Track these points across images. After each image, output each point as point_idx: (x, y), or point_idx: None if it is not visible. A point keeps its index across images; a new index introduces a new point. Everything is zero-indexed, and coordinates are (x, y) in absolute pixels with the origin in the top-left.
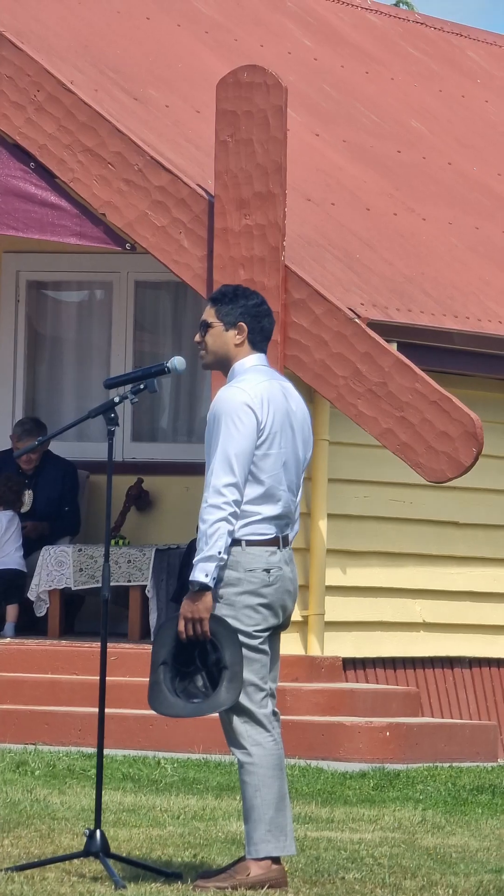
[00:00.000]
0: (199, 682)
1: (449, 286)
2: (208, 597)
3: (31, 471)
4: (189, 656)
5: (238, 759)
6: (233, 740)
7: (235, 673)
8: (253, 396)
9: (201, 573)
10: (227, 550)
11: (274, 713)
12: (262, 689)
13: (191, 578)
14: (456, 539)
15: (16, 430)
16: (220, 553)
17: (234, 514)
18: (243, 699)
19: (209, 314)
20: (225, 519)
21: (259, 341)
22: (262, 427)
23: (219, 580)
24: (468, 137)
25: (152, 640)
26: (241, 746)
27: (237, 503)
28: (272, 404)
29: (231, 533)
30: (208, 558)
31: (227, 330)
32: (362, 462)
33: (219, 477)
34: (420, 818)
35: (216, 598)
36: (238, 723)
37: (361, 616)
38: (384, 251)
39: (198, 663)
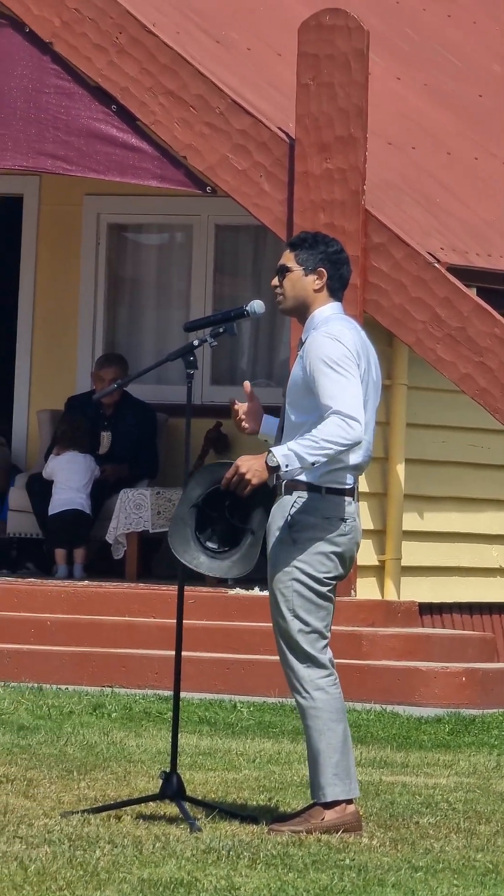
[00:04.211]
0: (219, 534)
1: None
2: (270, 475)
3: (109, 412)
4: (219, 503)
5: (301, 705)
6: (296, 686)
7: (257, 540)
8: (349, 345)
9: (284, 459)
10: (318, 466)
11: (330, 660)
12: (324, 637)
13: (273, 449)
14: None
15: (98, 361)
16: (313, 464)
17: (346, 450)
18: (307, 645)
19: (288, 259)
20: (343, 445)
21: (337, 289)
22: (360, 375)
23: (294, 523)
24: None
25: (191, 478)
26: (304, 692)
27: (355, 445)
28: (362, 352)
29: (335, 458)
30: (301, 459)
31: (306, 275)
32: (440, 407)
33: (356, 411)
34: (495, 763)
35: (291, 542)
36: (301, 668)
37: (438, 561)
38: (464, 195)
39: (225, 513)
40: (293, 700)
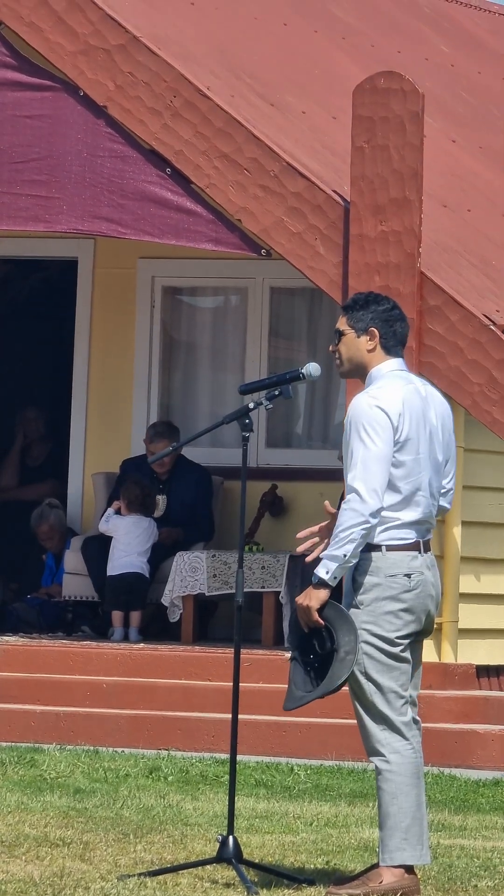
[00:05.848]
0: (318, 669)
1: None
2: (323, 592)
3: (164, 476)
4: (311, 646)
5: (376, 766)
6: (370, 748)
7: (347, 652)
8: (387, 403)
9: (323, 570)
10: (356, 555)
11: (414, 721)
12: (401, 697)
13: (315, 571)
14: None
15: (148, 432)
16: (345, 556)
17: (371, 523)
18: (383, 706)
19: (341, 322)
20: (361, 526)
21: (393, 346)
22: (398, 434)
23: (358, 585)
24: None
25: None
26: (379, 754)
27: (377, 513)
28: (407, 410)
29: (365, 539)
30: (333, 558)
31: (358, 336)
32: (497, 469)
33: (362, 483)
34: None
35: (357, 605)
36: (377, 730)
37: (495, 623)
38: None
39: (318, 651)
40: (350, 763)
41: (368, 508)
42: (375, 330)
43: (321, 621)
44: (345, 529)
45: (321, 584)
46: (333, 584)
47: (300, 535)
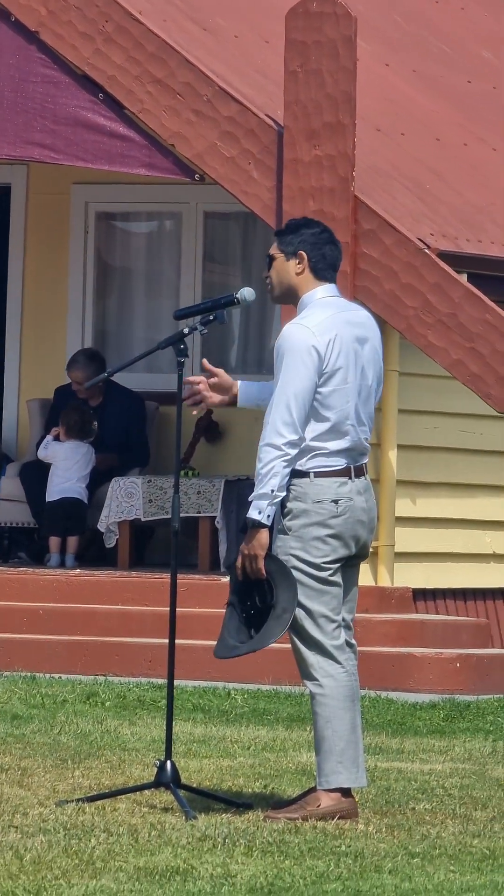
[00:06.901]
0: (256, 622)
1: None
2: (263, 534)
3: (96, 403)
4: (251, 595)
5: (310, 691)
6: (304, 672)
7: (284, 610)
8: (316, 333)
9: (255, 511)
10: (283, 488)
11: (350, 644)
12: (332, 621)
13: (247, 516)
14: None
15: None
16: (272, 491)
17: (289, 454)
18: (314, 631)
19: (273, 248)
20: (279, 458)
21: (322, 269)
22: (325, 364)
23: (287, 512)
24: None
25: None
26: (312, 678)
27: (293, 444)
28: (337, 339)
29: (288, 469)
30: (261, 496)
31: (287, 259)
32: (432, 393)
33: (276, 417)
34: (490, 749)
35: (285, 531)
36: (309, 654)
37: (431, 547)
38: (454, 181)
39: (257, 603)
40: (287, 687)
41: (282, 440)
42: (304, 253)
43: (264, 574)
44: (265, 465)
45: (256, 525)
46: (268, 522)
47: (188, 379)
